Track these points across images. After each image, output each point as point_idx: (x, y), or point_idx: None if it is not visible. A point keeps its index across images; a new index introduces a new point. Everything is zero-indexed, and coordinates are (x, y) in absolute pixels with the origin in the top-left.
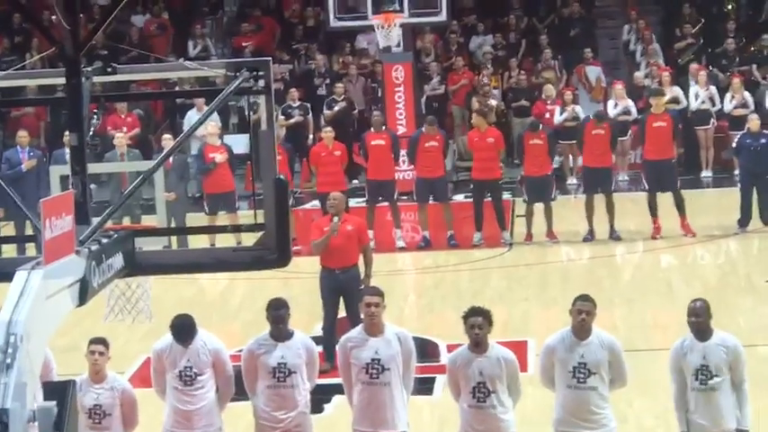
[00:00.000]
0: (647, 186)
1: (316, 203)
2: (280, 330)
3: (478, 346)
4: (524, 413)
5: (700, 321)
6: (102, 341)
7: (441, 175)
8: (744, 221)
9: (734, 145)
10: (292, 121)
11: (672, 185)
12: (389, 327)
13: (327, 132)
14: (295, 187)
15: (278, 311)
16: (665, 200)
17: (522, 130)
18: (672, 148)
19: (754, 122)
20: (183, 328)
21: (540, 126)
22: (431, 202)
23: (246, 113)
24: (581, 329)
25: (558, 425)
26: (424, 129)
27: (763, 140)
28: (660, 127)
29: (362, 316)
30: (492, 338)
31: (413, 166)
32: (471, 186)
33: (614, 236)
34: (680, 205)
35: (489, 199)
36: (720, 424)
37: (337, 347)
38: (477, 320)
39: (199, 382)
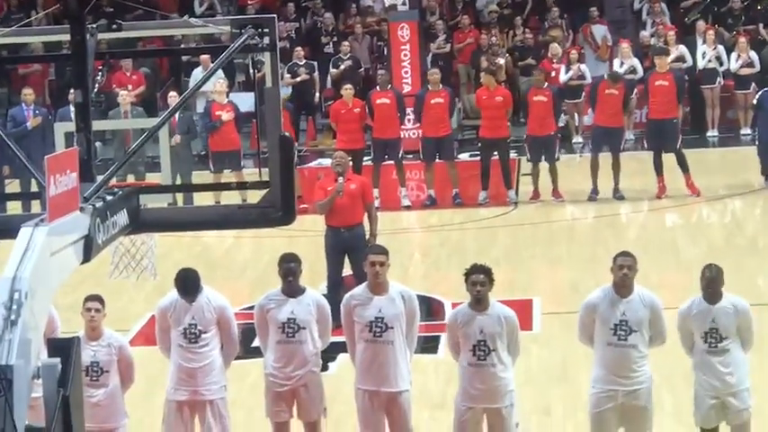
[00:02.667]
0: (646, 145)
1: (321, 161)
2: (290, 285)
3: (480, 303)
4: (530, 373)
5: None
6: (97, 298)
7: (447, 134)
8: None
9: (754, 101)
10: (298, 79)
11: (672, 146)
12: (394, 285)
13: (347, 89)
14: (300, 145)
15: (288, 264)
16: (671, 159)
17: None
18: (675, 108)
19: None
20: (188, 282)
21: (545, 83)
22: (437, 161)
23: (251, 71)
24: (623, 286)
25: (597, 382)
26: (429, 86)
27: None
28: (662, 86)
29: (367, 274)
30: (496, 297)
31: (419, 125)
32: (479, 145)
33: (618, 195)
34: (683, 164)
35: (496, 157)
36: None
37: (341, 305)
38: (479, 278)
39: (203, 339)
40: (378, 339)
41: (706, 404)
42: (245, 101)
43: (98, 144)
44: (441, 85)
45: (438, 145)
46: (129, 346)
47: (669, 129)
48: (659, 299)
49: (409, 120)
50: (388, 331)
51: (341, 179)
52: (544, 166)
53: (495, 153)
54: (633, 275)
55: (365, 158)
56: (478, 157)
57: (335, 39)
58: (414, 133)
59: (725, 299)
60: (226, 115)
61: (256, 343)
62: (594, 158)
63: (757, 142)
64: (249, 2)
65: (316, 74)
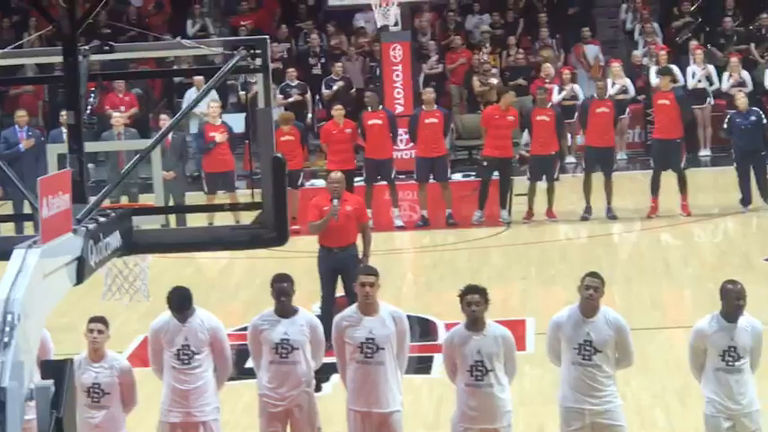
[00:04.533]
0: (653, 164)
1: (314, 182)
2: (283, 305)
3: (476, 323)
4: (522, 393)
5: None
6: (101, 320)
7: (441, 155)
8: (746, 200)
9: (724, 125)
10: (291, 99)
11: (676, 165)
12: (384, 306)
13: (338, 110)
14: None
15: (281, 284)
16: (666, 179)
17: (521, 109)
18: (678, 127)
19: (741, 100)
20: (180, 299)
21: (549, 103)
22: (431, 181)
23: (239, 92)
24: (588, 306)
25: (564, 401)
26: (423, 106)
27: (753, 118)
28: (664, 105)
29: (357, 295)
30: (490, 317)
31: (412, 145)
32: (485, 164)
33: (610, 215)
34: (683, 185)
35: (496, 177)
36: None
37: (332, 326)
38: (475, 298)
39: (196, 360)
40: (369, 360)
41: (721, 426)
42: (239, 122)
43: (91, 165)
44: (435, 105)
45: (432, 165)
46: (131, 369)
47: (673, 148)
48: (649, 319)
49: (401, 140)
50: (378, 352)
51: (335, 202)
52: (539, 186)
53: (495, 173)
54: (599, 297)
55: (357, 179)
56: (473, 177)
57: (323, 60)
58: (406, 154)
59: (743, 318)
60: (219, 137)
61: (250, 364)
62: (587, 178)
63: (735, 165)
64: (242, 23)
65: (308, 94)
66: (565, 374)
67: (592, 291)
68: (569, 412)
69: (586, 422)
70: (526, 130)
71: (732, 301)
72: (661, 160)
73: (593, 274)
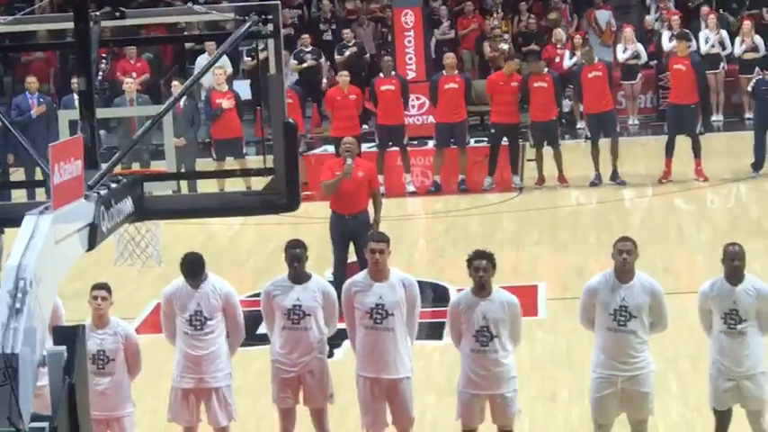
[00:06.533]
0: (667, 129)
1: (327, 148)
2: (296, 271)
3: (483, 289)
4: (535, 358)
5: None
6: (104, 286)
7: (461, 120)
8: (758, 165)
9: (749, 88)
10: (305, 65)
11: (692, 129)
12: (395, 272)
13: (343, 76)
14: (306, 132)
15: (294, 250)
16: (677, 144)
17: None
18: (693, 92)
19: None
20: (193, 264)
21: (546, 69)
22: (451, 146)
23: (245, 58)
24: (623, 271)
25: (597, 366)
26: (444, 71)
27: None
28: (680, 70)
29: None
30: (502, 282)
31: (424, 111)
32: (492, 130)
33: (618, 181)
34: (697, 150)
35: (504, 143)
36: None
37: (342, 292)
38: (482, 263)
39: (209, 326)
40: (378, 326)
41: (721, 386)
42: (246, 88)
43: (103, 132)
44: (456, 71)
45: (452, 131)
46: (135, 335)
47: (688, 113)
48: (662, 284)
49: (413, 106)
50: (388, 318)
51: (349, 161)
52: (547, 151)
53: (504, 138)
54: (633, 260)
55: (370, 145)
56: (485, 143)
57: (334, 26)
58: (419, 120)
59: (746, 281)
60: (226, 103)
61: (262, 330)
62: (594, 145)
63: (754, 128)
64: None
65: (322, 60)
66: (599, 340)
67: (625, 255)
68: (601, 380)
69: (618, 388)
70: None
71: (728, 261)
72: (676, 125)
73: (625, 239)
